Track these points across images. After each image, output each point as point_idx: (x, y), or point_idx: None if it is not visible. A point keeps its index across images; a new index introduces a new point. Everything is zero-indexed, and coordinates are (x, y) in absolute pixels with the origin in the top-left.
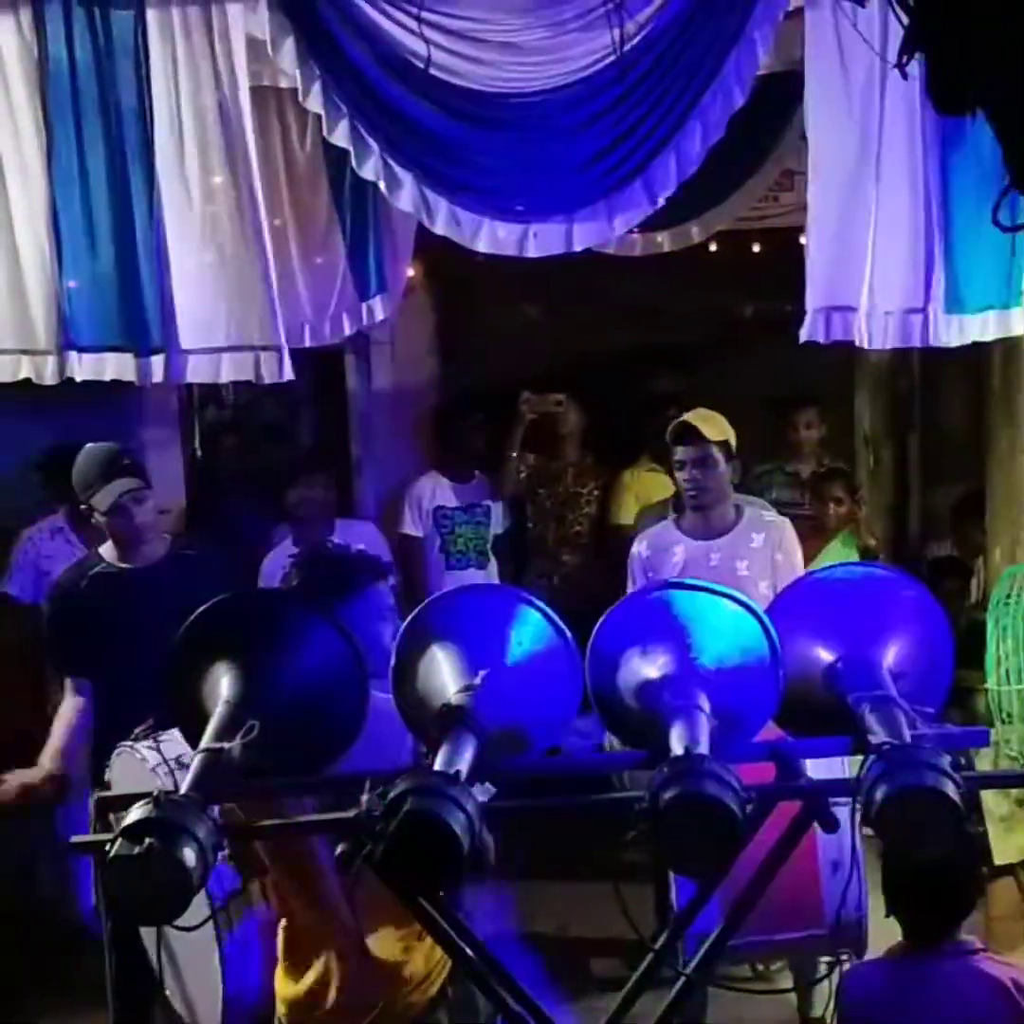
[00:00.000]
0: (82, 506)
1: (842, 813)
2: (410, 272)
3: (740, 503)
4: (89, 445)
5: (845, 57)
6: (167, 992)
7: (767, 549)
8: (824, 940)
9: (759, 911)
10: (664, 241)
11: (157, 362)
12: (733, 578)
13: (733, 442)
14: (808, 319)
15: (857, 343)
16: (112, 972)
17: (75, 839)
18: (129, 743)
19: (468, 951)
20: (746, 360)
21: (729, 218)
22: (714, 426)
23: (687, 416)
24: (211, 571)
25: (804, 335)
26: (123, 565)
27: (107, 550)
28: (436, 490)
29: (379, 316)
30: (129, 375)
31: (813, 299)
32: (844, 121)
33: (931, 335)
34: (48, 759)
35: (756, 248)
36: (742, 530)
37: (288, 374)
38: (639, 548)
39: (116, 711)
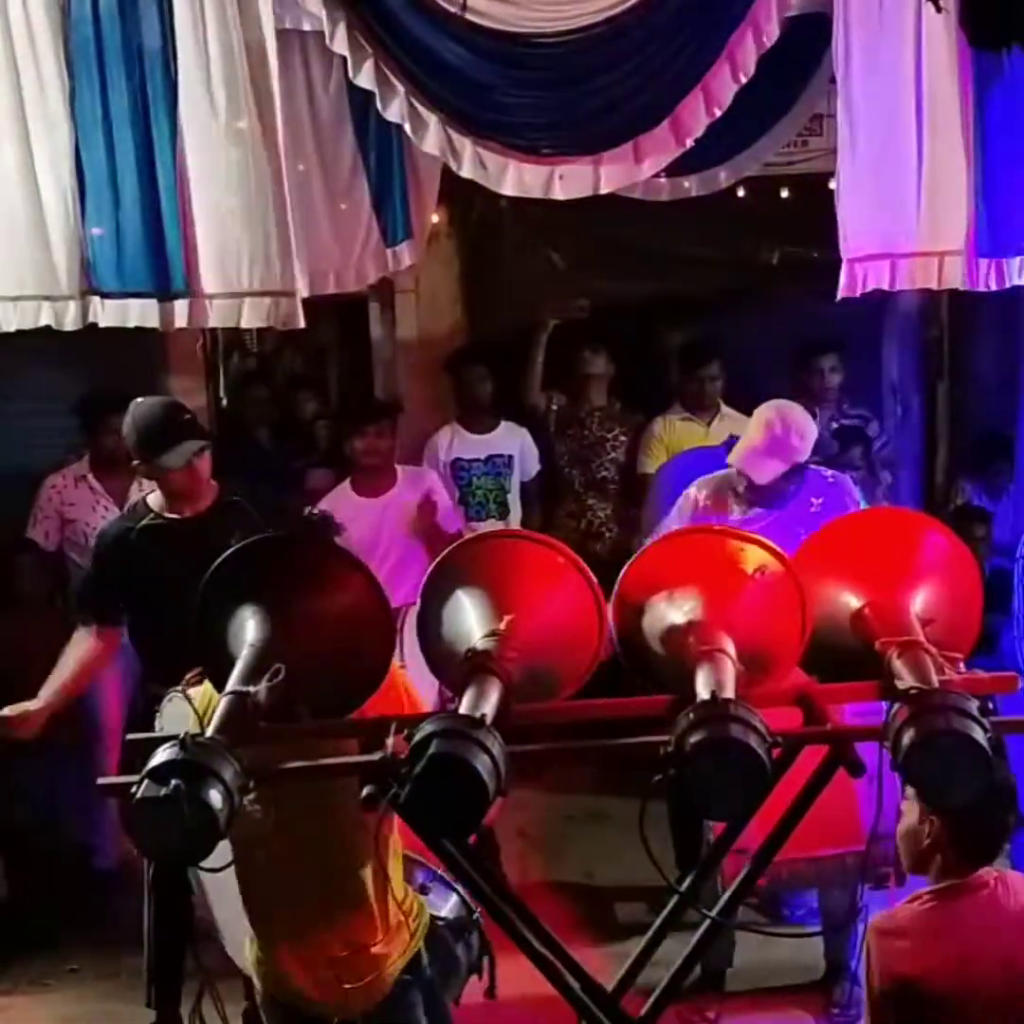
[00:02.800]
0: (136, 461)
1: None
2: (434, 219)
3: (803, 466)
4: (143, 401)
5: None
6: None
7: (828, 512)
8: (863, 857)
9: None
10: (692, 186)
11: (180, 307)
12: (793, 543)
13: (809, 448)
14: (844, 271)
15: (891, 287)
16: (150, 915)
17: (101, 781)
18: (181, 688)
19: (493, 894)
20: (773, 307)
21: (757, 163)
22: (771, 466)
23: (749, 448)
24: (256, 516)
25: (842, 291)
26: (173, 515)
27: (155, 500)
28: (454, 441)
29: (404, 263)
30: (152, 321)
31: (847, 249)
32: (877, 62)
33: (970, 279)
34: (50, 693)
35: (784, 193)
36: (803, 497)
37: (300, 322)
38: (697, 493)
39: (166, 660)
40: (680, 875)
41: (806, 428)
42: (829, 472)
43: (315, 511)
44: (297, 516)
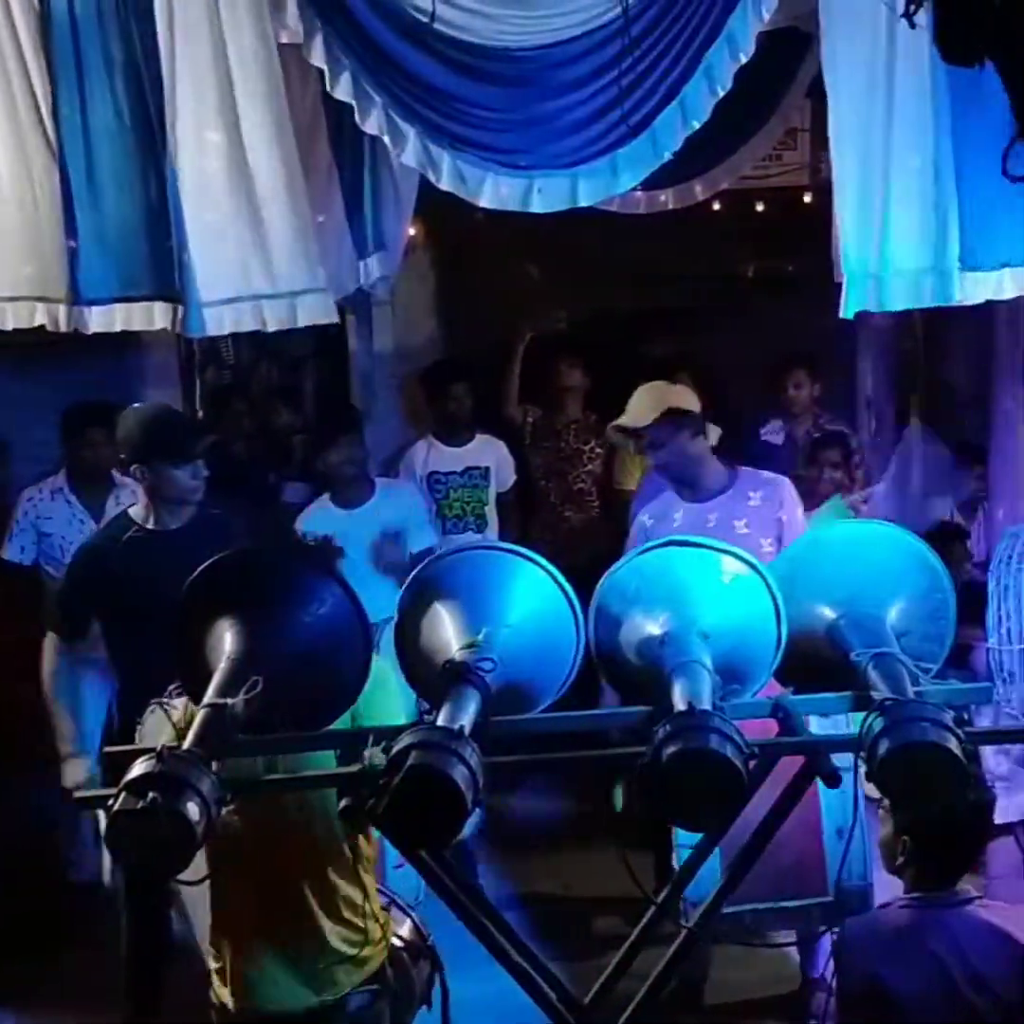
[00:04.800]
0: (136, 466)
1: (846, 782)
2: (411, 231)
3: (735, 465)
4: (146, 406)
5: (859, 11)
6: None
7: (767, 507)
8: (829, 908)
9: (762, 878)
10: (667, 199)
11: (167, 312)
12: (732, 536)
13: (691, 406)
14: (846, 290)
15: (873, 309)
16: (125, 928)
17: (78, 794)
18: (164, 699)
19: (470, 905)
20: (748, 319)
21: (733, 176)
22: (645, 408)
23: (629, 408)
24: (236, 530)
25: (846, 310)
26: (155, 527)
27: (137, 512)
28: (430, 455)
29: (377, 274)
30: (140, 324)
31: (850, 267)
32: (862, 79)
33: (947, 294)
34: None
35: (759, 207)
36: (738, 489)
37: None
38: (644, 518)
39: (147, 672)
40: (657, 886)
41: (658, 390)
42: (766, 473)
43: (312, 537)
44: (292, 539)
